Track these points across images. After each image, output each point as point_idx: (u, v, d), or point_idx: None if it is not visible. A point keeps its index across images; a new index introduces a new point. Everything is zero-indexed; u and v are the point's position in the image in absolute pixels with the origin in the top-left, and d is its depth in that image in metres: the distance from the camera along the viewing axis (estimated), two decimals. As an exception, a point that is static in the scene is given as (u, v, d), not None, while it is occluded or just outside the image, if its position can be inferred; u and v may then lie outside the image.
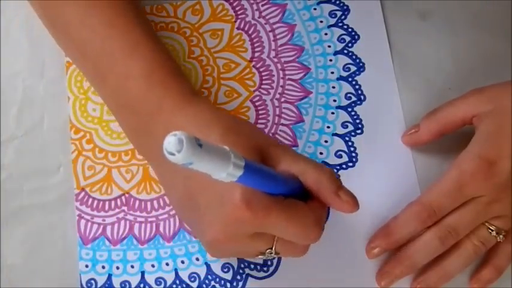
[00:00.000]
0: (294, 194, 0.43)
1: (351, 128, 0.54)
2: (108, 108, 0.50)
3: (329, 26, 0.57)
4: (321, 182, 0.43)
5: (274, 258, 0.50)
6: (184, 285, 0.50)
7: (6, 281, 0.49)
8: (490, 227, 0.49)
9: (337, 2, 0.58)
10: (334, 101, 0.55)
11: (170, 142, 0.29)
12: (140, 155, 0.52)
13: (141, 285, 0.50)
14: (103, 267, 0.50)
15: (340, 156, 0.53)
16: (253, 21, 0.57)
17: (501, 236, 0.50)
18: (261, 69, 0.55)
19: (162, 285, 0.50)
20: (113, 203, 0.52)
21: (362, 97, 0.55)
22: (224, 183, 0.34)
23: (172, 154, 0.29)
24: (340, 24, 0.57)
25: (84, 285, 0.49)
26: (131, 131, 0.49)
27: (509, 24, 0.58)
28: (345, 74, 0.55)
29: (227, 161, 0.32)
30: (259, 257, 0.45)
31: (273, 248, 0.44)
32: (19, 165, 0.52)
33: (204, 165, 0.31)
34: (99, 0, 0.47)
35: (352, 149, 0.53)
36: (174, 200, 0.48)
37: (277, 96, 0.55)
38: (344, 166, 0.53)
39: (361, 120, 0.54)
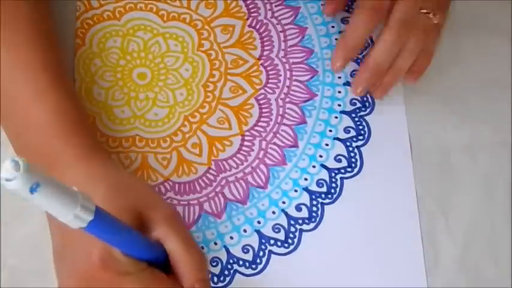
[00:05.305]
0: (161, 262, 0.42)
1: (353, 133, 0.54)
2: (14, 150, 0.47)
3: (340, 32, 0.57)
4: (183, 267, 0.42)
5: None
6: (170, 275, 0.49)
7: (6, 281, 0.49)
8: (427, 12, 0.52)
9: (351, 9, 0.58)
10: (339, 105, 0.55)
11: (6, 167, 0.27)
12: None
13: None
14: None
15: (340, 161, 0.53)
16: (265, 20, 0.57)
17: (437, 16, 0.52)
18: (269, 68, 0.55)
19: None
20: (108, 186, 0.51)
21: (367, 104, 0.55)
22: (89, 238, 0.33)
23: (9, 180, 0.27)
24: (352, 31, 0.57)
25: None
26: None
27: (509, 24, 0.58)
28: (352, 79, 0.55)
29: (74, 200, 0.30)
30: None
31: None
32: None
33: (45, 201, 0.28)
34: (18, 36, 0.46)
35: (352, 154, 0.53)
36: (53, 247, 0.45)
37: (282, 96, 0.55)
38: (342, 171, 0.53)
39: (364, 126, 0.54)
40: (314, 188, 0.52)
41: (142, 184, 0.48)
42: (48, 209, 0.29)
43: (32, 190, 0.28)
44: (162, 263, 0.42)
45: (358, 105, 0.55)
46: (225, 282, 0.50)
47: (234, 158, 0.53)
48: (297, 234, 0.51)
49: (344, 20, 0.57)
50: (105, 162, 0.46)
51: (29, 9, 0.48)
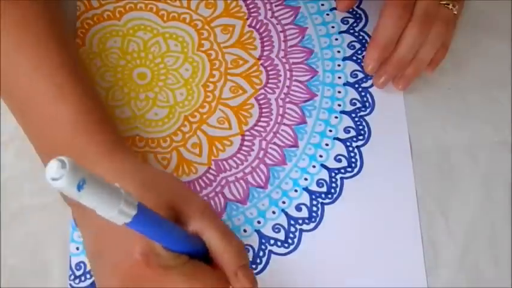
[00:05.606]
0: (201, 254, 0.42)
1: (353, 133, 0.54)
2: (34, 149, 0.47)
3: (340, 32, 0.57)
4: (223, 257, 0.42)
5: None
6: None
7: (6, 281, 0.49)
8: (446, 3, 0.53)
9: (350, 9, 0.58)
10: (339, 105, 0.55)
11: (52, 167, 0.28)
12: (65, 201, 0.48)
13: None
14: (92, 249, 0.50)
15: (340, 161, 0.53)
16: (265, 21, 0.57)
17: (456, 7, 0.53)
18: (269, 68, 0.55)
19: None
20: (108, 186, 0.51)
21: (367, 104, 0.55)
22: (129, 237, 0.33)
23: (55, 179, 0.28)
24: (352, 31, 0.57)
25: (74, 268, 0.49)
26: None
27: (509, 24, 0.58)
28: (352, 80, 0.55)
29: (118, 196, 0.31)
30: None
31: None
32: (19, 166, 0.51)
33: (91, 198, 0.29)
34: (29, 36, 0.46)
35: (352, 154, 0.53)
36: (87, 250, 0.45)
37: (282, 96, 0.55)
38: (342, 171, 0.53)
39: (364, 126, 0.54)
40: (314, 188, 0.52)
41: (170, 177, 0.48)
42: (94, 205, 0.30)
43: (79, 187, 0.28)
44: (201, 255, 0.42)
45: (358, 105, 0.55)
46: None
47: (234, 158, 0.53)
48: (297, 234, 0.51)
49: (344, 20, 0.57)
50: (129, 156, 0.46)
51: (39, 9, 0.47)
